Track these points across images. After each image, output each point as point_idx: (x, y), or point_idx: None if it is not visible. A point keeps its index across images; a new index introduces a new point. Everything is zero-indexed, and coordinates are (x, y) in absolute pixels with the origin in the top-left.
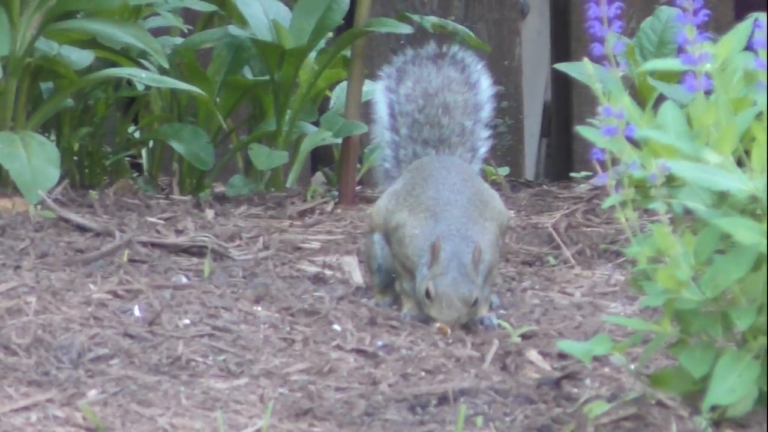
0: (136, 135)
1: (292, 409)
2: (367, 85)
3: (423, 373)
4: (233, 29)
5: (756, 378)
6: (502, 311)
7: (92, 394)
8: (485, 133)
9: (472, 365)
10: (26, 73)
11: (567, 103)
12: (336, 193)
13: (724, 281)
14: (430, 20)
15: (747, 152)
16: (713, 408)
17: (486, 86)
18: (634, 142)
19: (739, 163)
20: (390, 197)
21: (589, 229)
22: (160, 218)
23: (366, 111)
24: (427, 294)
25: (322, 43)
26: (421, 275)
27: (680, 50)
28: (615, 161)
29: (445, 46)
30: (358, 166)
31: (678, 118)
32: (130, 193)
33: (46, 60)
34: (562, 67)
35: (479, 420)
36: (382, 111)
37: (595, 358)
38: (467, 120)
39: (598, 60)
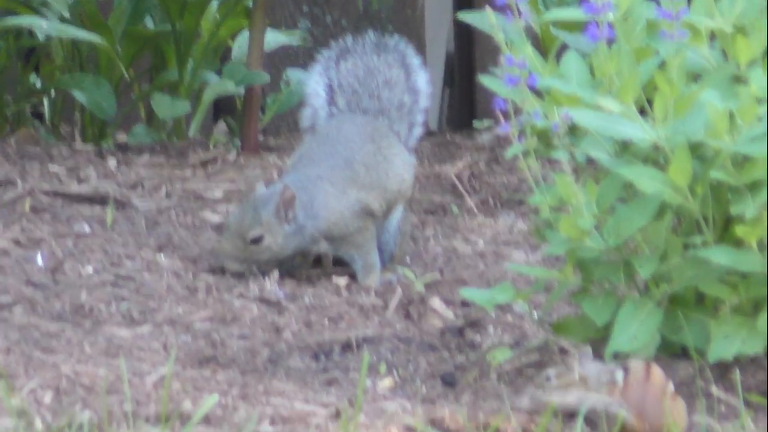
0: (38, 84)
1: (196, 356)
2: (269, 35)
3: (326, 321)
4: None
5: (658, 325)
6: (407, 258)
7: None
8: (421, 116)
9: (376, 313)
10: None
11: (470, 53)
12: (238, 142)
13: (627, 230)
14: None
15: (650, 101)
16: (615, 355)
17: (423, 75)
18: (537, 92)
19: (642, 113)
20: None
21: (492, 178)
22: (62, 167)
23: (268, 60)
24: None
25: None
26: None
27: None
28: (518, 111)
29: (386, 36)
30: (261, 115)
31: (580, 68)
32: (32, 142)
33: None
34: (464, 16)
35: (382, 367)
36: (318, 91)
37: (498, 306)
38: (407, 97)
39: (501, 10)
